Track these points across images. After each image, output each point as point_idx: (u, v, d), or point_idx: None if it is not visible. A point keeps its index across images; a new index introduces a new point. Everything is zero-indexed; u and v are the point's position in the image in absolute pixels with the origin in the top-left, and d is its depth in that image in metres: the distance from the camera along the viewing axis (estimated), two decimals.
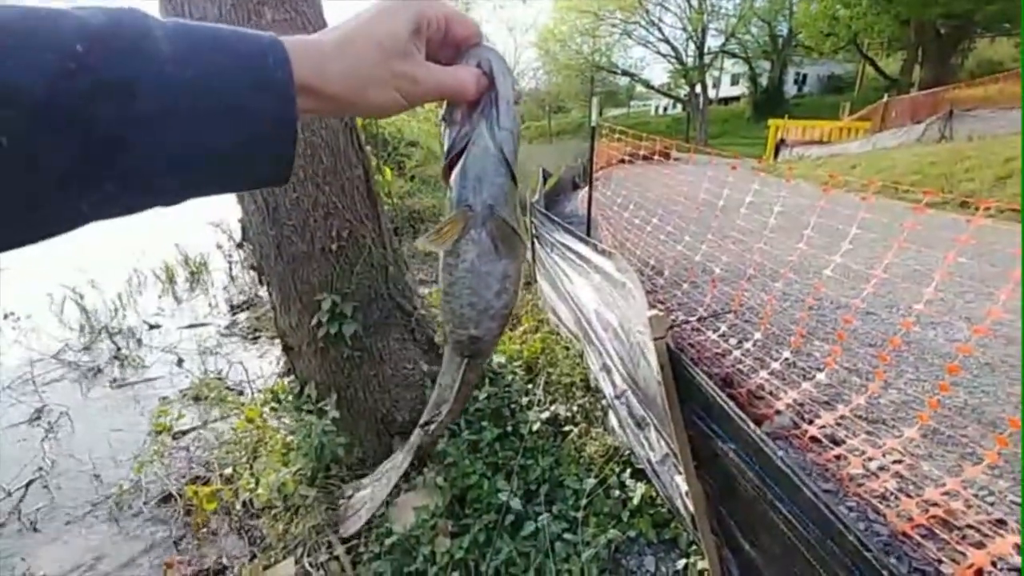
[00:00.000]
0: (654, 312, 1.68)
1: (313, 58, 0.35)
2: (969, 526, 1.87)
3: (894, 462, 2.17)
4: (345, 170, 2.25)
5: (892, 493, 2.04)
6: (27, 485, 2.98)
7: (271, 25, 1.97)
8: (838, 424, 2.43)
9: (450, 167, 0.48)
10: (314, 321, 2.21)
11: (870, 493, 2.05)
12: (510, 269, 0.51)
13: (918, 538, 1.85)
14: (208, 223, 6.57)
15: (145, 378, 4.22)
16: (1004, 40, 21.23)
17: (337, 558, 2.04)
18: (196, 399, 3.62)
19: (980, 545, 1.77)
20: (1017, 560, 1.65)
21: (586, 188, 6.05)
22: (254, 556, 2.38)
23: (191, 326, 5.18)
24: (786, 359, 2.70)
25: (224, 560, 2.48)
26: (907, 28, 20.02)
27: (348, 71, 0.36)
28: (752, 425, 1.21)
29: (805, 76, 33.23)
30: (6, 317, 5.32)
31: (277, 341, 2.95)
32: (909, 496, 1.98)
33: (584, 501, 2.04)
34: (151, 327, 5.20)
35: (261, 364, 4.07)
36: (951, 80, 15.82)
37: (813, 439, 2.30)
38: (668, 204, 4.30)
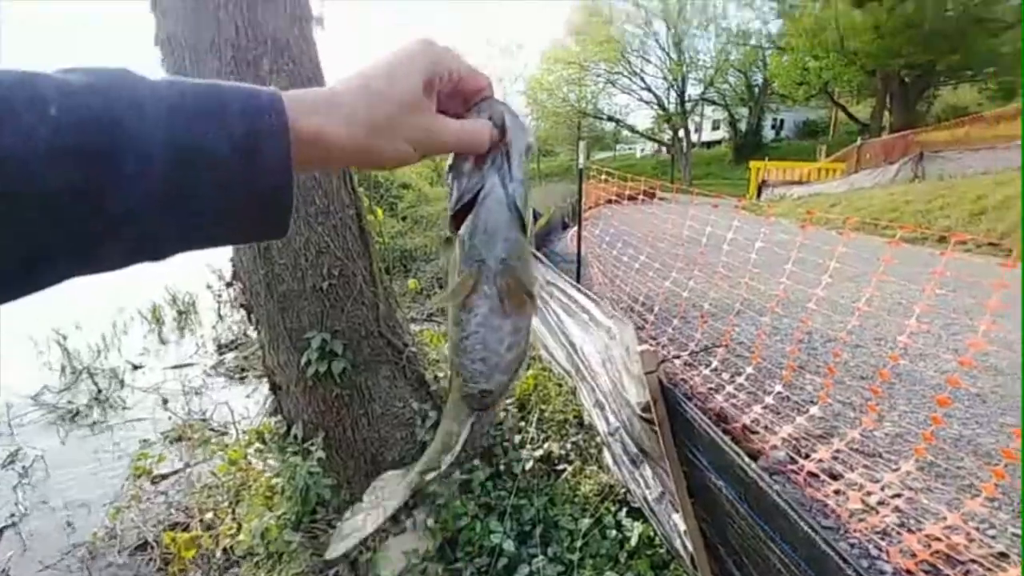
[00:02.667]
0: (644, 347, 1.70)
1: (320, 110, 0.34)
2: (973, 560, 1.83)
3: (893, 496, 2.13)
4: (338, 211, 2.29)
5: (893, 528, 2.00)
6: (0, 532, 2.83)
7: (268, 75, 2.05)
8: (834, 458, 2.41)
9: (456, 219, 0.47)
10: (303, 359, 2.18)
11: (871, 529, 2.00)
12: (521, 322, 0.50)
13: (922, 575, 1.80)
14: (198, 262, 6.57)
15: (126, 420, 4.09)
16: (967, 86, 22.52)
17: None
18: (178, 440, 3.51)
19: None
20: None
21: (575, 227, 6.16)
22: None
23: (176, 366, 5.08)
24: (779, 392, 2.70)
25: None
26: (874, 77, 21.24)
27: (358, 123, 0.35)
28: (749, 460, 1.20)
29: (782, 121, 34.78)
30: None
31: (264, 380, 2.90)
32: (911, 531, 1.94)
33: (580, 542, 1.97)
34: (134, 367, 5.09)
35: (247, 404, 3.97)
36: (919, 124, 16.65)
37: (811, 474, 2.26)
38: (655, 241, 4.39)
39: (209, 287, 6.42)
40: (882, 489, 2.19)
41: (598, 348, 2.58)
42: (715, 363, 3.31)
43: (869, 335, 4.01)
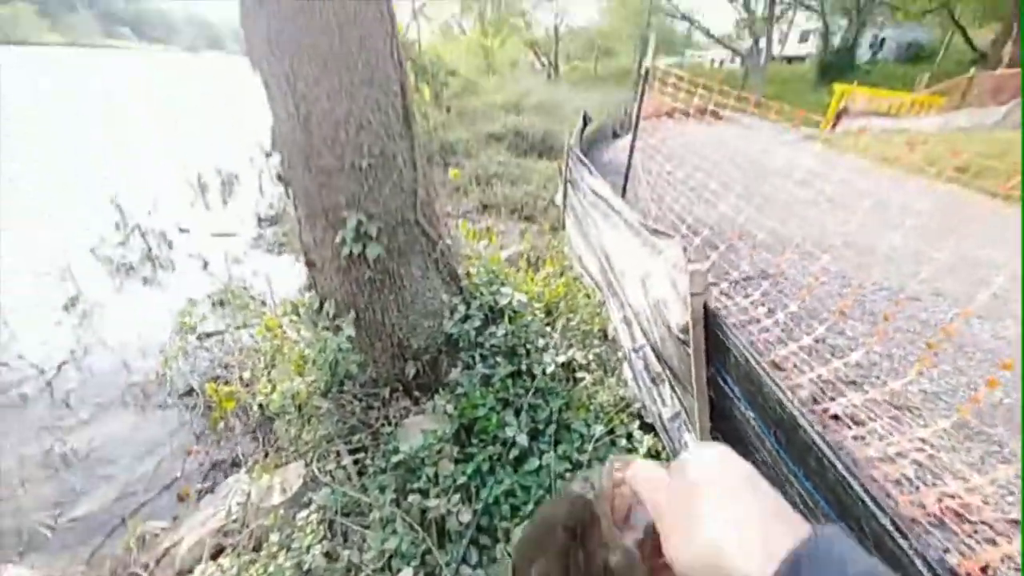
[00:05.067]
0: (697, 266, 1.58)
1: None
2: (983, 522, 1.81)
3: (916, 450, 2.09)
4: (382, 83, 2.12)
5: (908, 480, 1.98)
6: (59, 366, 3.15)
7: None
8: (856, 406, 2.35)
9: None
10: (338, 239, 2.16)
11: (885, 477, 1.99)
12: None
13: (926, 525, 1.81)
14: (244, 135, 6.54)
15: (175, 279, 4.35)
16: None
17: (344, 467, 2.11)
18: (221, 304, 3.71)
19: (992, 543, 1.72)
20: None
21: (626, 138, 5.73)
22: (267, 455, 2.49)
23: (220, 235, 5.26)
24: (818, 335, 2.59)
25: (239, 455, 2.61)
26: None
27: None
28: (789, 395, 1.14)
29: (883, 40, 30.20)
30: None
31: (300, 256, 2.95)
32: (927, 485, 1.92)
33: (590, 446, 2.04)
34: (181, 231, 5.30)
35: (285, 278, 4.13)
36: None
37: (834, 417, 2.23)
38: (715, 162, 4.04)
39: (251, 160, 6.43)
40: (909, 442, 2.14)
41: (636, 265, 2.48)
42: (756, 295, 3.18)
43: (925, 288, 3.74)
